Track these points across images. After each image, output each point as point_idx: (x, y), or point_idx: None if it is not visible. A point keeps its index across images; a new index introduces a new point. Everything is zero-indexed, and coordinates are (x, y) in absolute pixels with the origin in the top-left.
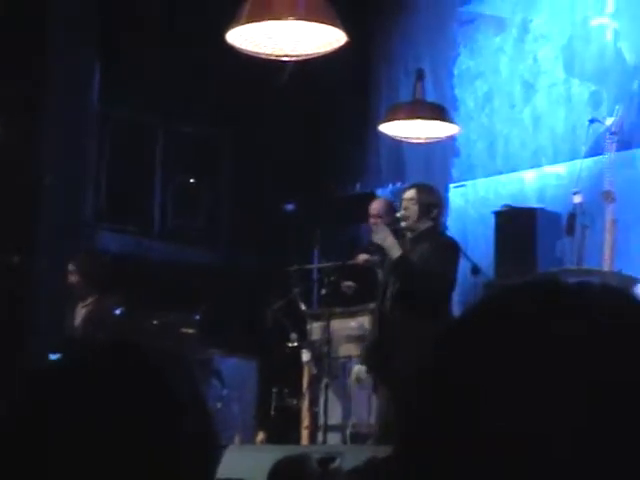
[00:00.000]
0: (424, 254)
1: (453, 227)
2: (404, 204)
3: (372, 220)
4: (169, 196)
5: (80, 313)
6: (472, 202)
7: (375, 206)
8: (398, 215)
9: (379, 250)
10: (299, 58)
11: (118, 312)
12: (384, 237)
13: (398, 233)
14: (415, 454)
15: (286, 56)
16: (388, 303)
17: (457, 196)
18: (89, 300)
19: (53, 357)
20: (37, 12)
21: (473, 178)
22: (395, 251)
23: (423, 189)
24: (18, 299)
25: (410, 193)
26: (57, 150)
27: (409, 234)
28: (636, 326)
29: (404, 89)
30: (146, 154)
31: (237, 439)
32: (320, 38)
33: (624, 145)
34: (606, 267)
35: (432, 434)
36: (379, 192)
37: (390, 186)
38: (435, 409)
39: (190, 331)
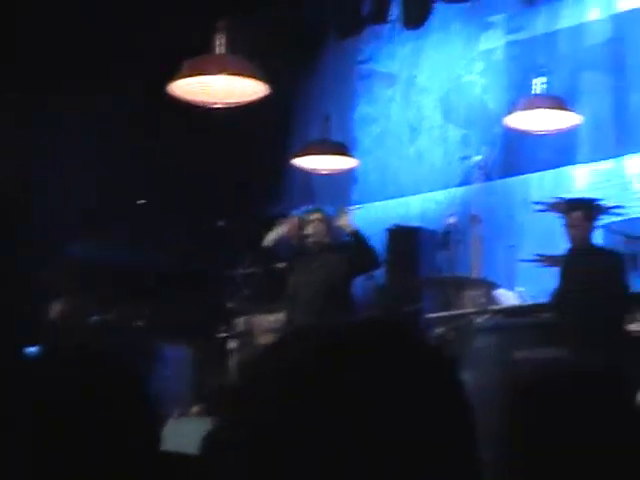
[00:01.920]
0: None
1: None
2: (312, 224)
3: (289, 235)
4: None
5: (56, 309)
6: (368, 222)
7: (290, 223)
8: (307, 233)
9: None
10: (229, 105)
11: (91, 316)
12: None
13: (305, 248)
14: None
15: (218, 104)
16: None
17: (356, 217)
18: (64, 299)
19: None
20: None
21: (369, 202)
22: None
23: (326, 213)
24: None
25: (316, 215)
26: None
27: (314, 247)
28: None
29: (314, 130)
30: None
31: (176, 412)
32: (247, 90)
33: (488, 177)
34: (474, 274)
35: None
36: (293, 213)
37: (301, 207)
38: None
39: (140, 323)
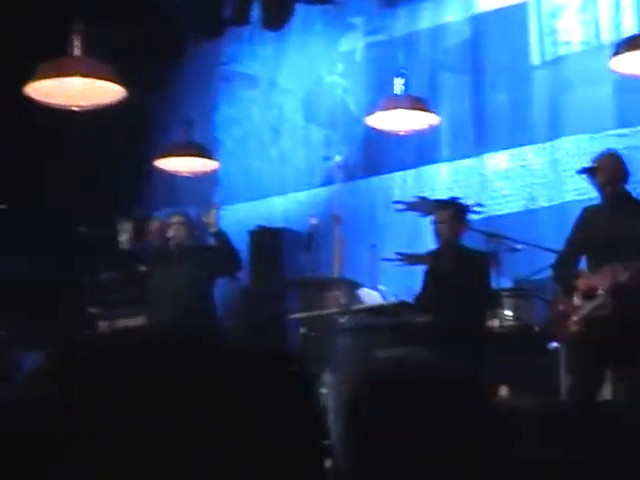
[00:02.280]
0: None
1: None
2: (174, 227)
3: (152, 237)
4: None
5: None
6: (231, 223)
7: (153, 225)
8: (169, 236)
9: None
10: (86, 108)
11: None
12: None
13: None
14: None
15: (75, 106)
16: None
17: (220, 218)
18: None
19: None
20: None
21: (233, 203)
22: None
23: (187, 215)
24: None
25: (178, 218)
26: None
27: (175, 250)
28: None
29: (176, 132)
30: None
31: None
32: (104, 92)
33: (349, 177)
34: (336, 275)
35: None
36: (155, 215)
37: (164, 210)
38: None
39: (1, 332)
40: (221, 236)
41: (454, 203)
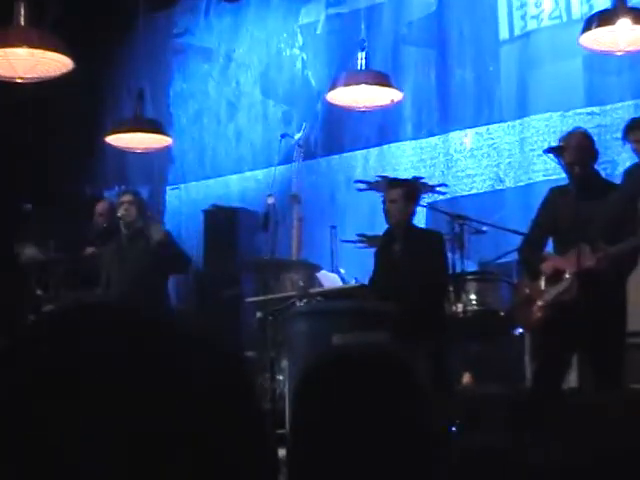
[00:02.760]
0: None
1: (169, 224)
2: (124, 206)
3: (99, 218)
4: None
5: None
6: (185, 202)
7: (100, 206)
8: (118, 215)
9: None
10: (32, 80)
11: None
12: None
13: (116, 230)
14: None
15: (21, 78)
16: None
17: (172, 197)
18: None
19: None
20: None
21: (185, 182)
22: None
23: (137, 194)
24: None
25: (127, 197)
26: None
27: (126, 230)
28: None
29: (127, 107)
30: None
31: None
32: (51, 64)
33: (309, 156)
34: (294, 257)
35: None
36: (106, 194)
37: (116, 188)
38: None
39: None
40: (169, 240)
41: (404, 182)
